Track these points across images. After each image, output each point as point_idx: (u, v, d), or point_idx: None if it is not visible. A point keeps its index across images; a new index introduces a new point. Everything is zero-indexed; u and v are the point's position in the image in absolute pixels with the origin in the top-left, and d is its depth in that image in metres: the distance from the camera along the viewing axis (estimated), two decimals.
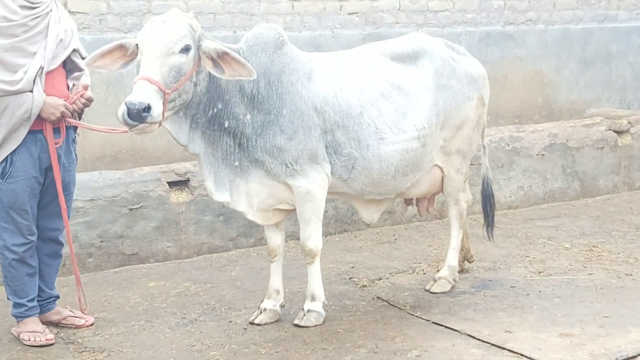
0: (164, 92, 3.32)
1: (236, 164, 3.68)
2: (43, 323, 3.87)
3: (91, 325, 3.98)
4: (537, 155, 6.44)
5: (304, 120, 3.67)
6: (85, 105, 3.79)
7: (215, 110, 3.60)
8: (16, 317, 3.84)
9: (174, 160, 5.61)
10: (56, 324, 3.96)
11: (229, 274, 4.81)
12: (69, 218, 4.04)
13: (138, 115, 3.25)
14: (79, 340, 3.79)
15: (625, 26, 7.82)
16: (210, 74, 3.54)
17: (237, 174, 3.70)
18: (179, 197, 5.21)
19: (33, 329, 3.78)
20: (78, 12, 5.51)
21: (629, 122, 6.90)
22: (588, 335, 3.61)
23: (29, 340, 3.74)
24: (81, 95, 3.75)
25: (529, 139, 6.45)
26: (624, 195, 6.67)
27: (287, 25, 6.15)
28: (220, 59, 3.46)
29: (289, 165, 3.68)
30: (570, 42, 7.52)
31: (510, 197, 6.35)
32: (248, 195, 3.75)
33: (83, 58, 3.89)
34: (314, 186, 3.74)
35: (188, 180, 5.24)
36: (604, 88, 7.76)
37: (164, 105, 3.33)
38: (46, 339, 3.74)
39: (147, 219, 5.07)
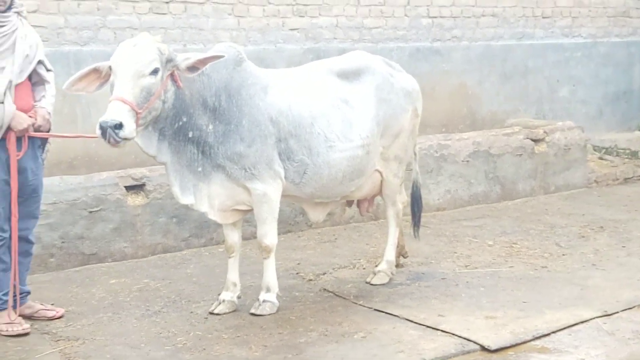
0: (136, 111, 3.69)
1: (199, 169, 4.08)
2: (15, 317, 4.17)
3: (61, 317, 4.30)
4: (462, 161, 7.01)
5: (261, 130, 4.10)
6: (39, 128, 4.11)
7: (180, 123, 4.00)
8: None
9: (127, 166, 5.95)
10: (29, 317, 4.25)
11: (185, 271, 5.19)
12: (37, 218, 4.38)
13: (109, 134, 3.61)
14: (53, 331, 4.11)
15: (541, 43, 8.53)
16: (175, 91, 3.93)
17: (200, 178, 4.10)
18: (135, 200, 5.55)
19: (8, 321, 4.08)
20: (37, 26, 5.74)
21: (544, 132, 7.55)
22: (509, 318, 4.16)
23: (7, 330, 4.04)
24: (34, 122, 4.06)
25: (455, 147, 7.02)
26: (540, 198, 7.32)
27: (233, 40, 6.55)
28: (194, 66, 3.89)
29: (248, 170, 4.11)
30: (492, 57, 8.17)
31: (438, 199, 6.90)
32: (210, 197, 4.15)
33: (48, 70, 4.24)
34: (270, 189, 4.17)
35: (144, 184, 5.59)
36: (522, 100, 8.44)
37: (136, 123, 3.70)
38: (22, 329, 4.05)
39: (106, 221, 5.40)
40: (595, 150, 8.53)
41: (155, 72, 3.78)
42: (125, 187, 5.52)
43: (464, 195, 7.04)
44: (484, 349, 3.78)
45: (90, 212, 5.35)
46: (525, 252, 5.49)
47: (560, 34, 8.67)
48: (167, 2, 6.39)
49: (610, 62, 8.97)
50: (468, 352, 3.75)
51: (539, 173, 7.47)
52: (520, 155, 7.35)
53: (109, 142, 3.65)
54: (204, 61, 3.92)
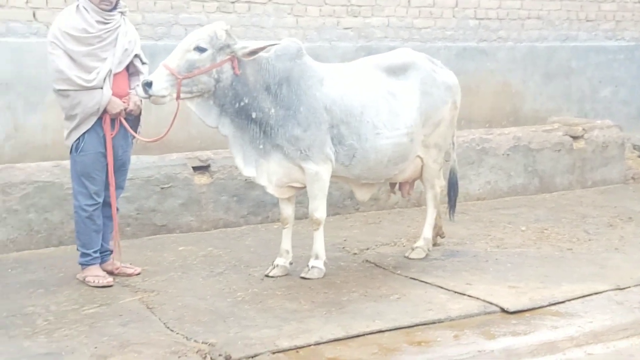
0: (175, 76, 4.38)
1: (260, 147, 4.70)
2: (117, 269, 4.90)
3: (138, 274, 4.97)
4: (502, 154, 7.47)
5: (316, 117, 4.69)
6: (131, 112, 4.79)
7: (242, 103, 4.63)
8: (82, 264, 4.82)
9: (194, 149, 6.62)
10: (110, 273, 4.94)
11: (244, 242, 5.82)
12: (123, 189, 5.07)
13: (143, 89, 4.40)
14: (132, 284, 4.79)
15: (584, 45, 8.91)
16: (233, 75, 4.56)
17: (261, 155, 4.72)
18: (201, 179, 6.21)
19: (96, 274, 4.77)
20: None
21: (583, 129, 7.95)
22: (530, 288, 4.67)
23: (93, 282, 4.73)
24: (126, 106, 4.75)
25: (496, 141, 7.49)
26: (577, 192, 7.71)
27: (292, 37, 7.15)
28: (252, 52, 4.54)
29: (303, 151, 4.70)
30: (536, 58, 8.60)
31: (478, 190, 7.38)
32: (268, 173, 4.77)
33: (144, 63, 4.92)
34: (321, 169, 4.76)
35: (209, 165, 6.24)
36: (564, 99, 8.85)
37: (178, 87, 4.38)
38: (107, 282, 4.74)
39: (175, 197, 6.06)
40: (635, 149, 8.88)
41: (199, 49, 4.46)
42: (193, 167, 6.18)
43: (503, 186, 7.49)
44: (503, 310, 4.30)
45: (162, 188, 6.02)
46: (554, 237, 5.96)
47: (604, 37, 9.04)
48: (232, 2, 7.04)
49: None
50: (489, 312, 4.29)
51: (576, 168, 7.87)
52: (559, 150, 7.76)
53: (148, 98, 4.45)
54: (261, 48, 4.56)
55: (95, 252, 4.82)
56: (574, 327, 4.08)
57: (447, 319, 4.18)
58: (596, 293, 4.58)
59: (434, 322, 4.13)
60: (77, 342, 3.87)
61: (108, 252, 5.00)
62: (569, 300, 4.47)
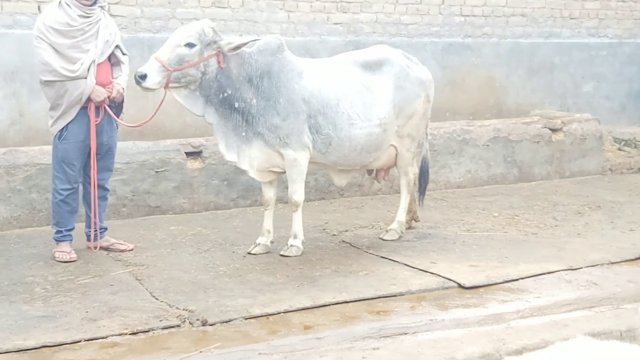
0: (167, 68, 4.77)
1: (243, 134, 5.11)
2: (96, 247, 5.29)
3: (131, 250, 5.39)
4: (483, 145, 7.85)
5: (294, 107, 5.09)
6: (114, 100, 5.17)
7: (225, 94, 5.03)
8: (55, 240, 5.23)
9: (187, 135, 7.04)
10: (106, 248, 5.37)
11: (231, 223, 6.24)
12: (112, 171, 5.47)
13: (137, 80, 4.80)
14: (124, 259, 5.21)
15: (567, 42, 9.28)
16: (218, 68, 4.95)
17: (243, 141, 5.12)
18: (193, 164, 6.63)
19: (63, 250, 5.16)
20: (118, 16, 6.92)
21: (562, 122, 8.32)
22: (489, 267, 5.06)
23: (59, 257, 5.12)
24: (110, 94, 5.13)
25: (477, 132, 7.87)
26: (554, 182, 8.08)
27: (284, 32, 7.57)
28: (236, 47, 4.94)
29: (282, 139, 5.10)
30: (520, 53, 8.97)
31: (459, 178, 7.76)
32: (250, 159, 5.17)
33: (124, 54, 5.31)
34: (299, 155, 5.16)
35: (201, 151, 6.65)
36: (547, 93, 9.21)
37: (167, 78, 4.77)
38: (70, 257, 5.11)
39: (168, 180, 6.48)
40: (615, 142, 9.25)
41: (189, 45, 4.86)
42: (186, 153, 6.59)
43: (483, 175, 7.86)
44: (460, 286, 4.71)
45: (156, 172, 6.44)
46: (523, 222, 6.34)
47: (587, 34, 9.39)
48: None
49: (634, 61, 9.64)
50: (447, 287, 4.69)
51: (555, 159, 8.22)
52: (538, 142, 8.12)
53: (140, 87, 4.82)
54: (244, 43, 4.98)
55: (68, 230, 5.22)
56: (522, 301, 4.48)
57: (407, 292, 4.58)
58: (549, 272, 4.97)
59: (394, 295, 4.53)
60: (71, 307, 4.30)
61: (103, 230, 5.42)
62: (522, 278, 4.86)
